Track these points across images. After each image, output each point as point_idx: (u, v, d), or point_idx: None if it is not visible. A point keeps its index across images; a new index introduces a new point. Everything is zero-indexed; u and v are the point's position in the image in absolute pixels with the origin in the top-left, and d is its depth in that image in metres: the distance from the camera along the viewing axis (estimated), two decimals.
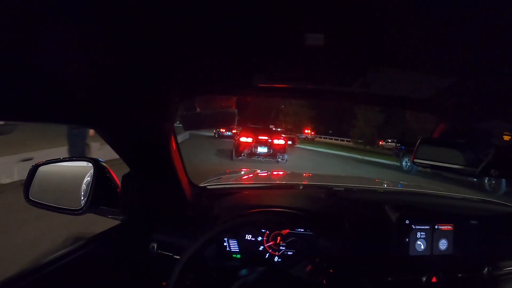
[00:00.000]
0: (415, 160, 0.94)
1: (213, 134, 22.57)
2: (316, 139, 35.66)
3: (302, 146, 22.48)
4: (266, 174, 2.40)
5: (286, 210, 0.94)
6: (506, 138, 1.02)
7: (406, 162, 10.79)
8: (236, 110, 1.09)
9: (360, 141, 30.79)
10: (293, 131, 28.70)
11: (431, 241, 1.14)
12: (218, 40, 0.60)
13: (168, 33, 0.54)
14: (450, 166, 0.88)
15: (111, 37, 0.50)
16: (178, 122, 1.06)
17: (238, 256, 1.14)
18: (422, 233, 1.14)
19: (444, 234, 1.16)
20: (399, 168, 11.13)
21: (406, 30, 0.53)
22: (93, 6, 0.41)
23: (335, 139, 38.94)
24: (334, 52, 0.65)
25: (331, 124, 39.86)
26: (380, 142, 30.19)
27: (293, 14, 0.50)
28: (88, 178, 0.98)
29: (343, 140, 36.96)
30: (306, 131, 34.95)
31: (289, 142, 19.90)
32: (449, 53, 0.62)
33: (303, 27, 0.54)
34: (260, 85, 0.89)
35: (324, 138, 40.13)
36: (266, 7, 0.47)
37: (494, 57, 0.61)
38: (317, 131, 39.91)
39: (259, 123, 18.51)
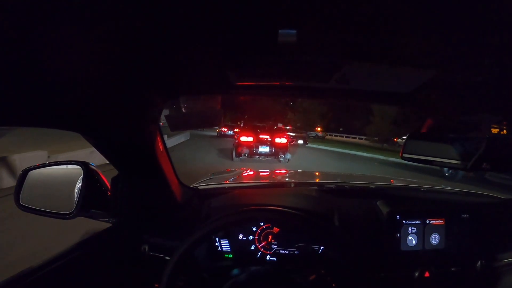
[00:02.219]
0: (404, 155, 0.95)
1: (216, 134, 22.67)
2: (326, 137, 34.76)
3: (314, 146, 20.96)
4: (258, 173, 2.40)
5: (276, 207, 0.94)
6: (494, 130, 1.01)
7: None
8: (221, 109, 1.10)
9: (375, 138, 28.72)
10: (302, 129, 28.21)
11: (423, 236, 1.15)
12: (196, 41, 0.60)
13: (148, 35, 0.55)
14: (440, 161, 0.88)
15: (92, 40, 0.51)
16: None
17: (230, 255, 1.15)
18: (413, 228, 1.15)
19: (435, 229, 1.16)
20: (436, 172, 9.07)
21: (385, 23, 0.53)
22: (78, 12, 0.42)
23: (346, 137, 36.59)
24: (308, 48, 0.64)
25: (343, 122, 38.51)
26: (396, 139, 28.92)
27: (265, 11, 0.50)
28: (78, 183, 0.99)
29: (355, 138, 34.94)
30: (316, 129, 34.14)
31: (300, 142, 19.41)
32: (429, 46, 0.62)
33: (276, 24, 0.54)
34: (237, 83, 0.89)
35: (335, 136, 37.73)
36: (239, 4, 0.48)
37: (475, 48, 0.61)
38: (328, 129, 38.72)
39: (264, 121, 18.32)
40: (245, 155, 9.88)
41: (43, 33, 0.44)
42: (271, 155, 10.18)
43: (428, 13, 0.48)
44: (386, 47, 0.63)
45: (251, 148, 10.00)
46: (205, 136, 21.57)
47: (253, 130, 10.73)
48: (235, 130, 11.84)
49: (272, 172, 2.45)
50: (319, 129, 34.89)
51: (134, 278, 1.08)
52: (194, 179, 1.70)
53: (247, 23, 0.54)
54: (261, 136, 10.28)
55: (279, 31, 0.54)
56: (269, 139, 10.26)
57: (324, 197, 1.30)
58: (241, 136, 10.22)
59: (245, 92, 1.03)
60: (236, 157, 9.97)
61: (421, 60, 0.70)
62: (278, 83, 0.92)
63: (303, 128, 29.14)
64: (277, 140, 10.30)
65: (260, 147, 10.08)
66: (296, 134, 20.99)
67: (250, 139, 10.11)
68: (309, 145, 20.92)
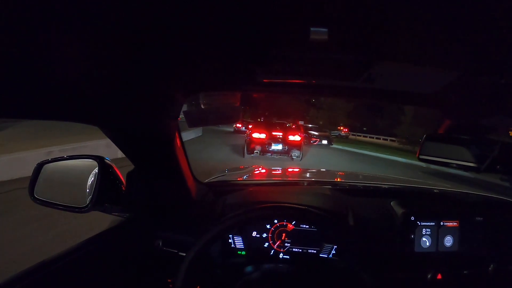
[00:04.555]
0: (421, 156, 0.96)
1: (232, 130, 22.50)
2: (349, 136, 33.33)
3: (339, 147, 19.25)
4: (271, 171, 2.40)
5: (292, 205, 0.95)
6: None
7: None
8: (240, 106, 1.08)
9: (403, 140, 25.75)
10: (325, 128, 26.45)
11: (437, 237, 1.14)
12: (222, 35, 0.60)
13: (172, 29, 0.54)
14: (455, 162, 0.89)
15: (115, 33, 0.50)
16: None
17: (243, 253, 1.15)
18: (427, 229, 1.14)
19: (449, 231, 1.16)
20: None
21: (412, 24, 0.53)
22: (97, 4, 0.42)
23: (370, 137, 34.66)
24: (339, 47, 0.64)
25: (368, 121, 36.66)
26: None
27: (298, 8, 0.50)
28: (92, 177, 0.98)
29: (379, 138, 32.90)
30: (339, 128, 32.85)
31: (324, 142, 17.51)
32: (455, 48, 0.62)
33: (308, 22, 0.54)
34: (264, 80, 0.88)
35: (358, 135, 35.49)
36: (271, 1, 0.48)
37: (500, 52, 0.61)
38: (351, 128, 37.14)
39: (285, 119, 17.86)
40: (257, 152, 9.67)
41: (64, 26, 0.43)
42: (284, 153, 9.92)
43: (455, 14, 0.48)
44: (413, 47, 0.63)
45: (264, 145, 9.78)
46: (220, 132, 21.16)
47: (266, 127, 10.44)
48: (249, 126, 11.64)
49: (286, 170, 2.45)
50: (342, 128, 33.57)
51: (147, 273, 1.09)
52: (202, 177, 1.67)
53: (279, 20, 0.54)
54: (274, 133, 10.01)
55: (311, 28, 0.54)
56: (283, 136, 9.99)
57: (338, 196, 1.30)
58: (253, 133, 9.96)
59: (271, 90, 1.00)
60: (248, 154, 9.79)
61: (447, 61, 0.69)
62: (305, 81, 0.91)
63: (326, 127, 27.71)
64: (291, 137, 10.02)
65: (273, 144, 9.83)
66: (320, 134, 19.21)
67: (263, 136, 9.86)
68: (333, 145, 19.13)
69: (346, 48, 0.66)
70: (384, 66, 0.75)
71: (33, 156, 5.84)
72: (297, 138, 10.13)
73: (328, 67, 0.79)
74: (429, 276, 1.10)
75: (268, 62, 0.76)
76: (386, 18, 0.52)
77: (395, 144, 27.82)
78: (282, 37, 0.62)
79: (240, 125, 21.41)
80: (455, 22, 0.50)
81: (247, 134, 10.91)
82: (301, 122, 22.89)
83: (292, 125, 14.26)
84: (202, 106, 1.03)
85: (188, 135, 13.95)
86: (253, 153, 9.67)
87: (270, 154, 9.87)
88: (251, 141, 9.83)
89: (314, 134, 18.42)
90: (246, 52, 0.69)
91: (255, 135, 9.89)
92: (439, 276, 1.10)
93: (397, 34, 0.57)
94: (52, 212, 3.23)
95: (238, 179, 1.83)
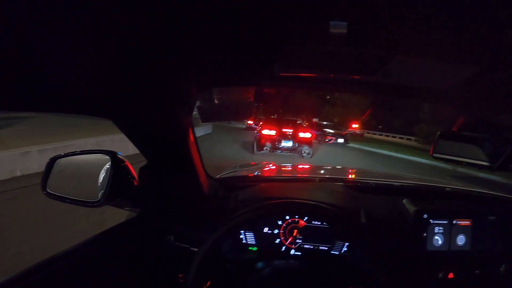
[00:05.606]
0: (434, 155, 0.96)
1: (245, 126, 22.18)
2: (364, 135, 32.27)
3: (356, 146, 17.77)
4: (283, 167, 2.40)
5: (305, 200, 0.95)
6: None
7: None
8: (254, 102, 1.08)
9: (419, 138, 24.78)
10: (339, 126, 23.64)
11: (449, 236, 1.13)
12: (240, 29, 0.59)
13: (187, 22, 0.53)
14: (468, 161, 0.89)
15: (131, 27, 0.50)
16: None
17: (255, 248, 1.15)
18: (440, 228, 1.13)
19: (462, 230, 1.15)
20: None
21: (430, 17, 0.52)
22: None
23: (386, 135, 31.81)
24: (357, 41, 0.64)
25: (384, 119, 35.39)
26: None
27: (317, 1, 0.49)
28: (104, 172, 0.99)
29: (395, 137, 30.39)
30: (353, 125, 31.80)
31: (340, 141, 16.56)
32: (473, 43, 0.61)
33: (327, 15, 0.53)
34: (281, 74, 0.87)
35: (373, 134, 33.57)
36: None
37: None
38: (366, 126, 35.94)
39: (299, 116, 17.51)
40: (266, 149, 9.56)
41: (80, 18, 0.43)
42: (294, 150, 9.78)
43: (474, 8, 0.47)
44: (430, 41, 0.62)
45: (274, 142, 9.65)
46: (231, 128, 20.81)
47: (276, 123, 10.27)
48: (260, 123, 11.58)
49: (297, 166, 2.47)
50: (356, 125, 32.57)
51: (159, 268, 1.11)
52: (212, 173, 1.67)
53: (298, 13, 0.53)
54: (284, 130, 9.84)
55: (330, 22, 0.54)
56: (293, 133, 9.82)
57: (350, 193, 1.29)
58: (263, 129, 9.83)
59: (287, 84, 1.00)
60: (257, 151, 9.67)
61: (464, 56, 0.68)
62: (322, 75, 0.90)
63: (341, 124, 26.88)
64: (301, 134, 9.87)
65: (283, 141, 9.70)
66: (336, 132, 18.20)
67: (273, 132, 9.71)
68: (350, 144, 17.78)
69: (364, 42, 0.66)
70: (401, 61, 0.74)
71: (8, 158, 5.27)
72: (307, 135, 9.99)
73: (346, 62, 0.78)
74: (440, 275, 1.09)
75: (286, 56, 0.76)
76: (404, 12, 0.51)
77: (412, 143, 26.43)
78: (301, 31, 0.61)
79: (251, 122, 21.21)
80: (474, 16, 0.50)
81: (257, 130, 10.79)
82: (315, 120, 22.41)
83: (306, 123, 14.01)
84: (216, 101, 1.02)
85: (197, 131, 13.53)
86: (262, 150, 9.58)
87: (280, 151, 9.75)
88: (261, 138, 9.71)
89: (329, 132, 17.77)
90: (264, 45, 0.69)
91: (265, 131, 9.76)
92: (451, 275, 1.10)
93: (415, 28, 0.57)
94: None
95: (250, 175, 1.83)
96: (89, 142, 7.12)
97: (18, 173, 5.34)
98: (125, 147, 3.37)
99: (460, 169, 10.58)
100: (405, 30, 0.58)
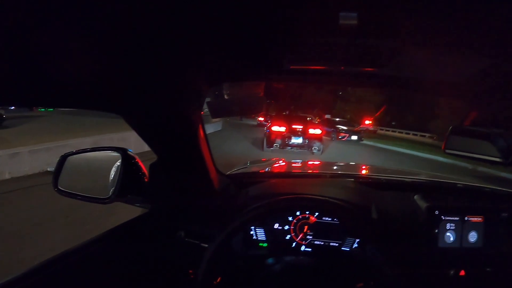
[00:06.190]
0: (446, 150, 0.94)
1: (256, 123, 22.02)
2: (377, 131, 31.41)
3: (370, 143, 16.93)
4: (293, 163, 2.39)
5: (313, 196, 0.95)
6: None
7: None
8: (264, 97, 1.07)
9: (433, 136, 23.11)
10: (352, 122, 22.82)
11: (461, 233, 1.11)
12: (248, 21, 0.58)
13: (196, 17, 0.53)
14: (481, 157, 0.87)
15: (141, 22, 0.50)
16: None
17: (265, 245, 1.14)
18: (451, 224, 1.11)
19: (474, 226, 1.12)
20: None
21: (443, 6, 0.51)
22: None
23: (399, 132, 32.36)
24: (369, 32, 0.62)
25: (398, 114, 34.33)
26: None
27: None
28: (114, 168, 0.99)
29: (408, 134, 30.59)
30: (366, 121, 30.96)
31: (354, 138, 16.12)
32: (487, 34, 0.58)
33: (337, 5, 0.52)
34: (291, 67, 0.86)
35: (386, 130, 31.14)
36: None
37: None
38: (379, 122, 34.94)
39: (311, 113, 17.23)
40: (276, 145, 9.53)
41: (87, 14, 0.43)
42: (304, 147, 9.73)
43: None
44: (443, 31, 0.60)
45: (284, 139, 9.62)
46: (242, 125, 20.67)
47: (286, 119, 10.22)
48: (269, 120, 11.48)
49: (307, 162, 2.44)
50: (368, 122, 31.73)
51: (169, 264, 1.11)
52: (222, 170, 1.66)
53: (308, 4, 0.52)
54: (294, 126, 9.79)
55: (340, 13, 0.53)
56: (303, 129, 9.77)
57: (361, 189, 1.28)
58: (272, 126, 9.79)
59: (297, 78, 0.98)
60: (267, 147, 9.66)
61: (478, 48, 0.66)
62: (332, 68, 0.89)
63: (354, 121, 26.20)
64: (311, 131, 9.82)
65: (292, 137, 9.67)
66: (349, 128, 17.41)
67: (283, 129, 9.67)
68: (364, 141, 17.02)
69: (376, 34, 0.64)
70: (412, 53, 0.73)
71: None
72: (317, 131, 9.93)
73: (357, 54, 0.77)
74: (451, 272, 1.07)
75: (296, 48, 0.75)
76: (416, 2, 0.50)
77: (427, 139, 24.67)
78: (311, 22, 0.60)
79: (262, 119, 21.16)
80: (489, 6, 0.48)
81: (266, 127, 10.77)
82: (327, 116, 22.08)
83: (318, 119, 13.82)
84: (226, 97, 1.02)
85: (207, 129, 13.50)
86: (272, 147, 9.55)
87: (289, 147, 9.72)
88: (270, 134, 9.69)
89: (342, 129, 17.07)
90: (273, 37, 0.68)
91: (275, 128, 9.72)
92: (462, 273, 1.08)
93: (428, 18, 0.55)
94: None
95: (260, 171, 1.83)
96: (85, 142, 6.97)
97: (7, 176, 5.27)
98: (126, 146, 3.50)
99: (481, 169, 10.18)
100: (417, 21, 0.57)
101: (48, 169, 5.85)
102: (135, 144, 4.51)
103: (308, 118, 11.20)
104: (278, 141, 9.59)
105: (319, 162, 2.98)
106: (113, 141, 7.28)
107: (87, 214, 3.54)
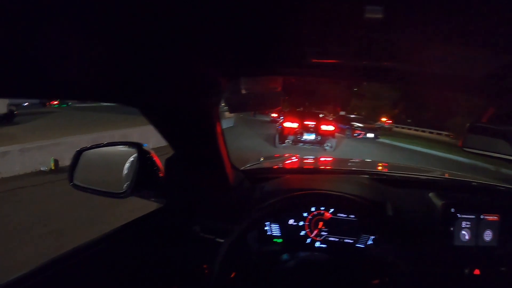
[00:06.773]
0: (464, 148, 0.93)
1: (269, 119, 22.00)
2: (393, 129, 30.31)
3: (387, 141, 16.31)
4: (308, 159, 2.39)
5: (329, 192, 0.95)
6: None
7: None
8: (281, 92, 1.05)
9: (450, 134, 22.19)
10: (369, 120, 21.38)
11: (476, 231, 1.10)
12: (268, 14, 0.56)
13: (214, 9, 0.51)
14: (499, 156, 0.86)
15: (157, 12, 0.48)
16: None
17: (280, 240, 1.15)
18: (467, 222, 1.10)
19: (489, 225, 1.11)
20: None
21: (465, 1, 0.49)
22: None
23: (415, 130, 29.51)
24: (393, 26, 0.60)
25: (415, 112, 32.99)
26: None
27: None
28: (129, 163, 0.99)
29: (424, 131, 27.90)
30: (382, 119, 29.90)
31: (370, 135, 15.64)
32: (507, 29, 0.57)
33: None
34: (313, 60, 0.84)
35: (402, 128, 30.69)
36: None
37: None
38: (395, 120, 33.70)
39: (325, 108, 16.95)
40: (288, 141, 9.49)
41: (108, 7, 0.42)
42: (316, 143, 9.65)
43: None
44: (465, 26, 0.59)
45: (296, 135, 9.56)
46: (255, 121, 20.58)
47: (298, 115, 10.14)
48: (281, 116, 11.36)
49: (321, 159, 2.45)
50: (384, 119, 30.88)
51: (184, 258, 1.12)
52: (242, 163, 1.67)
53: None
54: (306, 123, 9.72)
55: (366, 6, 0.51)
56: (315, 126, 9.68)
57: (375, 186, 1.27)
58: (285, 122, 9.74)
59: (319, 73, 0.96)
60: (279, 143, 9.62)
61: (499, 43, 0.64)
62: (354, 62, 0.87)
63: (370, 118, 25.29)
64: (324, 127, 9.72)
65: (305, 134, 9.59)
66: (365, 125, 16.71)
67: (295, 125, 9.60)
68: (380, 139, 16.46)
69: (400, 28, 0.63)
70: (434, 48, 0.71)
71: None
72: (330, 128, 9.84)
73: (380, 48, 0.75)
74: (466, 271, 1.06)
75: (319, 41, 0.73)
76: None
77: (444, 138, 24.18)
78: (335, 15, 0.58)
79: (276, 115, 21.14)
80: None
81: (278, 123, 10.72)
82: (342, 113, 21.79)
83: (332, 116, 13.65)
84: (243, 92, 1.00)
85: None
86: (284, 143, 9.52)
87: (302, 143, 9.66)
88: (283, 130, 9.63)
89: (358, 126, 16.38)
90: (295, 30, 0.67)
91: (287, 124, 9.67)
92: (477, 272, 1.07)
93: (450, 13, 0.54)
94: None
95: (274, 167, 1.83)
96: (84, 139, 6.88)
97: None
98: None
99: (504, 170, 9.74)
100: (440, 16, 0.55)
101: (42, 169, 5.85)
102: (138, 140, 4.51)
103: (320, 115, 11.03)
104: (291, 137, 9.54)
105: (332, 159, 2.98)
106: (114, 139, 7.26)
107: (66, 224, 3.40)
